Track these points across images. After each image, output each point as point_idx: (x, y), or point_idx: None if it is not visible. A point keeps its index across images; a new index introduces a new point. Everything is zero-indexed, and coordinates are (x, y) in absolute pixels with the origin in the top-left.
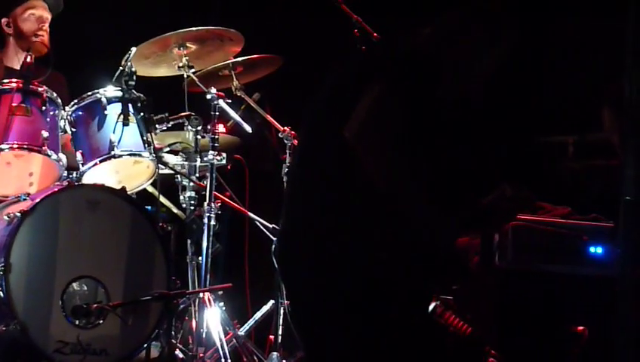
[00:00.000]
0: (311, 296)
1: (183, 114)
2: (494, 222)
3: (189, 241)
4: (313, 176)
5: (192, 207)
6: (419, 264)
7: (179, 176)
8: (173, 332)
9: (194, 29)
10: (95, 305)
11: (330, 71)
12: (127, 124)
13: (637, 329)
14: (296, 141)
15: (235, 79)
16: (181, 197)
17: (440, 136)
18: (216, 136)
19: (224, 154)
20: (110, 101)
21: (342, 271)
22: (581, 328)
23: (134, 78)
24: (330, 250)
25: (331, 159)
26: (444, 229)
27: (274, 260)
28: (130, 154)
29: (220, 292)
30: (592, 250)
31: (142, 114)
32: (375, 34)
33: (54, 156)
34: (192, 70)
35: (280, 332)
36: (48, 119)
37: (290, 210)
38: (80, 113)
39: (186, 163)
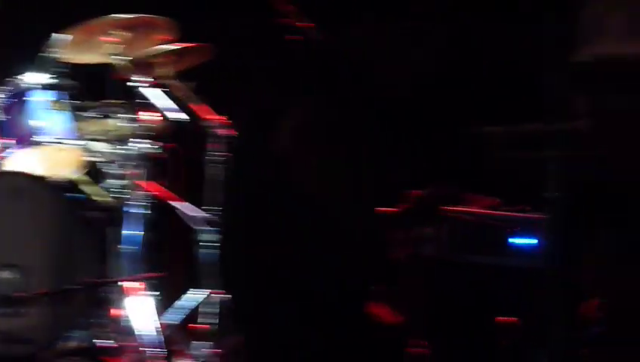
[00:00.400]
0: (251, 289)
1: (112, 101)
2: (426, 219)
3: (115, 229)
4: (249, 178)
5: (120, 195)
6: (353, 259)
7: (107, 163)
8: (98, 321)
9: (126, 15)
10: (19, 294)
11: (266, 63)
12: (55, 112)
13: (563, 321)
14: (231, 130)
15: (166, 67)
16: (109, 185)
17: (372, 135)
18: (148, 124)
19: (155, 142)
20: (39, 88)
21: (277, 270)
22: (511, 319)
23: (63, 64)
24: (267, 245)
25: (264, 161)
26: (376, 226)
27: (204, 249)
28: (57, 142)
29: (151, 281)
30: (520, 241)
31: (70, 101)
32: (310, 24)
33: None
34: (122, 57)
35: (209, 321)
36: None
37: (230, 211)
38: (6, 100)
39: (114, 150)
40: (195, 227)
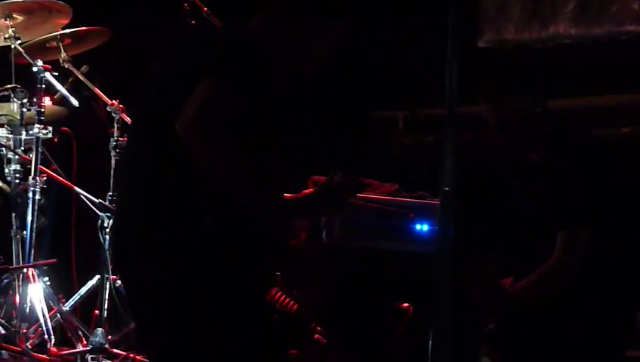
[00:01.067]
0: (144, 281)
1: (8, 86)
2: (325, 208)
3: (13, 215)
4: (145, 167)
5: (17, 181)
6: (251, 248)
7: (3, 148)
8: None
9: None
10: None
11: (160, 50)
12: None
13: (452, 306)
14: (124, 115)
15: (62, 51)
16: (6, 171)
17: (272, 122)
18: (43, 109)
19: (50, 128)
20: None
21: (176, 256)
22: (406, 305)
23: None
24: (165, 236)
25: (162, 151)
26: (276, 215)
27: (100, 235)
28: None
29: (45, 268)
30: (418, 227)
31: None
32: (205, 9)
33: None
34: (19, 41)
35: (105, 307)
36: None
37: (124, 201)
38: None
39: (11, 135)
40: (99, 213)
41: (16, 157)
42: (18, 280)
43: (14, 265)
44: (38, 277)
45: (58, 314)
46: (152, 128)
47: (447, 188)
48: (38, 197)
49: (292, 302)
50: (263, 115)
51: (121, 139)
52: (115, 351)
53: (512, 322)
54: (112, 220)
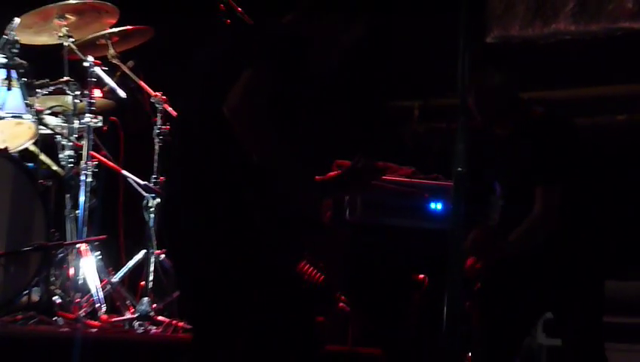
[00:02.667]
0: (189, 251)
1: (62, 79)
2: (350, 189)
3: (67, 196)
4: (192, 147)
5: (71, 165)
6: (287, 223)
7: (58, 136)
8: (52, 280)
9: (73, 1)
10: None
11: (200, 46)
12: (10, 89)
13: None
14: (166, 105)
15: (110, 48)
16: (60, 156)
17: (307, 107)
18: (93, 101)
19: (100, 117)
20: None
21: (217, 230)
22: (422, 276)
23: (17, 46)
24: (208, 210)
25: (207, 131)
26: (308, 193)
27: (145, 214)
28: (13, 116)
29: (96, 243)
30: (432, 206)
31: (24, 79)
32: (240, 9)
33: None
34: (71, 39)
35: (150, 279)
36: None
37: (171, 180)
38: None
39: (65, 124)
40: (144, 194)
41: (70, 143)
42: (72, 255)
43: (68, 241)
44: (90, 251)
45: (108, 285)
46: (198, 112)
47: (459, 169)
48: (89, 179)
49: (319, 274)
50: (298, 100)
51: (164, 127)
52: (159, 318)
53: (492, 285)
54: (159, 198)
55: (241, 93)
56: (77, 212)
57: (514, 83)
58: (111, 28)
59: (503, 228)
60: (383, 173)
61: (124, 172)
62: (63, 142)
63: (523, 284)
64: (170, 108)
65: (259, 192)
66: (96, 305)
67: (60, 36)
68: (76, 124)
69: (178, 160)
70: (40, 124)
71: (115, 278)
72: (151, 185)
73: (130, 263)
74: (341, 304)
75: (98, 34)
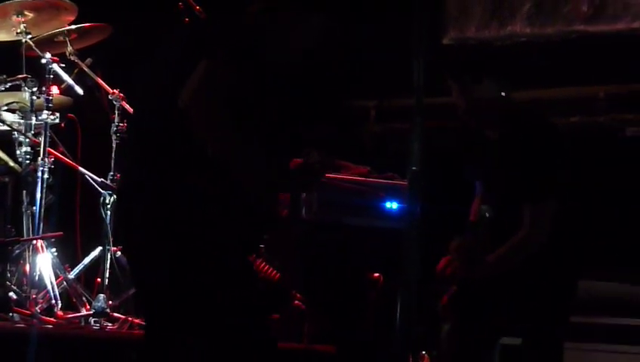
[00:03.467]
0: (143, 245)
1: (20, 76)
2: (304, 184)
3: (24, 192)
4: (147, 143)
5: (28, 161)
6: (243, 218)
7: (15, 132)
8: (8, 276)
9: None
10: None
11: (157, 42)
12: None
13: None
14: (124, 102)
15: (69, 45)
16: (17, 152)
17: (265, 101)
18: (51, 97)
19: (58, 114)
20: None
21: (173, 225)
22: (377, 275)
23: None
24: (164, 206)
25: (163, 126)
26: (267, 188)
27: (102, 211)
28: None
29: (52, 240)
30: (387, 205)
31: None
32: (198, 7)
33: None
34: (29, 36)
35: (107, 275)
36: None
37: (127, 176)
38: None
39: (22, 121)
40: (101, 191)
41: (27, 140)
42: (28, 251)
43: (25, 237)
44: (46, 248)
45: (64, 282)
46: (155, 108)
47: (414, 168)
48: (46, 176)
49: (274, 272)
50: (254, 93)
51: (121, 124)
52: (115, 314)
53: (468, 289)
54: (114, 195)
55: (197, 84)
56: (34, 208)
57: (502, 85)
58: (69, 25)
59: (488, 234)
60: (333, 169)
61: (82, 169)
62: (20, 139)
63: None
64: (127, 106)
65: (215, 186)
66: (52, 302)
67: (17, 33)
68: (33, 120)
69: (133, 156)
70: None
71: (72, 275)
72: (108, 182)
73: (87, 260)
74: (296, 301)
75: (56, 31)
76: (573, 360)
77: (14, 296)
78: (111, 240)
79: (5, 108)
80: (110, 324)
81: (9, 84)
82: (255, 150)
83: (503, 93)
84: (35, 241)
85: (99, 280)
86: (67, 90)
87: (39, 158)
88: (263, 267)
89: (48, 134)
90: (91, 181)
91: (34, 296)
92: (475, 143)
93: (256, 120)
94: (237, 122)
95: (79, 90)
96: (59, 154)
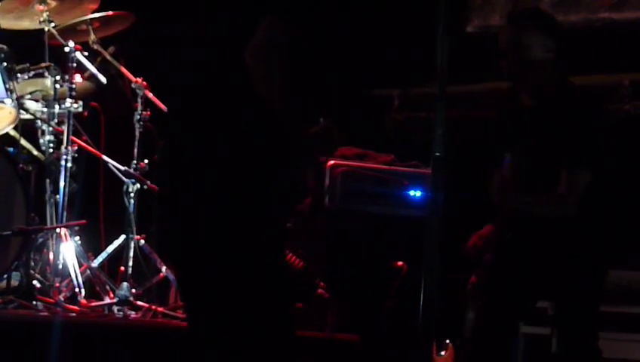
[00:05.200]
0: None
1: (43, 64)
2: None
3: (47, 181)
4: (196, 108)
5: (51, 150)
6: (285, 184)
7: (39, 121)
8: (32, 264)
9: None
10: None
11: (179, 31)
12: None
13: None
14: (147, 91)
15: (92, 33)
16: (41, 141)
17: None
18: (74, 86)
19: (81, 102)
20: None
21: (220, 189)
22: (400, 263)
23: None
24: (214, 169)
25: (214, 90)
26: (308, 145)
27: (125, 199)
28: None
29: (76, 228)
30: (411, 193)
31: (4, 64)
32: None
33: None
34: (52, 24)
35: (130, 264)
36: None
37: (173, 140)
38: None
39: (45, 109)
40: (124, 179)
41: (50, 128)
42: (52, 239)
43: (48, 226)
44: (70, 236)
45: (87, 270)
46: (205, 67)
47: (438, 154)
48: (69, 164)
49: (298, 260)
50: (310, 54)
51: (144, 112)
52: (138, 303)
53: (497, 271)
54: (139, 184)
55: (262, 40)
56: (57, 197)
57: (556, 46)
58: (92, 13)
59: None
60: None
61: (105, 157)
62: (43, 127)
63: (525, 268)
64: (150, 95)
65: (266, 149)
66: (76, 290)
67: (40, 21)
68: (57, 109)
69: (181, 121)
70: (20, 109)
71: (95, 263)
72: (131, 170)
73: (110, 248)
74: (320, 290)
75: (79, 19)
76: (618, 351)
77: (38, 285)
78: (134, 228)
79: (29, 96)
80: (134, 313)
81: (32, 73)
82: (306, 110)
83: (549, 54)
84: (58, 230)
85: (122, 268)
86: (90, 79)
87: (62, 147)
88: (287, 255)
89: (71, 123)
90: (114, 169)
91: (57, 285)
92: (510, 110)
93: (309, 81)
94: (295, 77)
95: (102, 79)
96: (82, 143)
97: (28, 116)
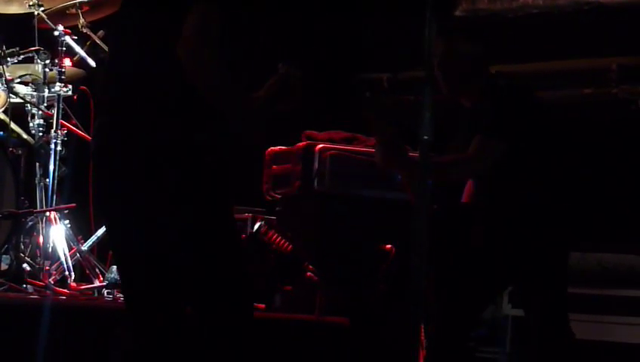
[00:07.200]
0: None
1: (32, 48)
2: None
3: (37, 164)
4: (134, 95)
5: (41, 134)
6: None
7: (28, 105)
8: (21, 247)
9: None
10: None
11: None
12: None
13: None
14: None
15: (81, 17)
16: (30, 125)
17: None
18: (63, 70)
19: (70, 86)
20: None
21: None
22: (389, 246)
23: None
24: (158, 155)
25: (151, 77)
26: (254, 118)
27: None
28: None
29: (65, 211)
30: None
31: None
32: None
33: None
34: (42, 8)
35: None
36: None
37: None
38: None
39: (35, 93)
40: None
41: (40, 112)
42: (41, 223)
43: (38, 209)
44: (60, 219)
45: (77, 253)
46: (141, 56)
47: (425, 137)
48: (59, 148)
49: (287, 243)
50: (239, 35)
51: None
52: None
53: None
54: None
55: (193, 29)
56: (47, 180)
57: (481, 53)
58: None
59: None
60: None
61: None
62: (33, 111)
63: (484, 259)
64: None
65: (206, 131)
66: (66, 273)
67: (30, 5)
68: (46, 92)
69: (118, 109)
70: (10, 93)
71: (85, 246)
72: None
73: (100, 232)
74: (309, 273)
75: (68, 3)
76: (591, 332)
77: (28, 268)
78: None
79: (18, 80)
80: None
81: (22, 57)
82: (243, 90)
83: (478, 58)
84: (48, 213)
85: (111, 252)
86: (80, 63)
87: (52, 130)
88: (276, 239)
89: (61, 106)
90: None
91: (47, 268)
92: (450, 114)
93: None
94: (229, 60)
95: (92, 63)
96: (72, 127)
97: (18, 100)
